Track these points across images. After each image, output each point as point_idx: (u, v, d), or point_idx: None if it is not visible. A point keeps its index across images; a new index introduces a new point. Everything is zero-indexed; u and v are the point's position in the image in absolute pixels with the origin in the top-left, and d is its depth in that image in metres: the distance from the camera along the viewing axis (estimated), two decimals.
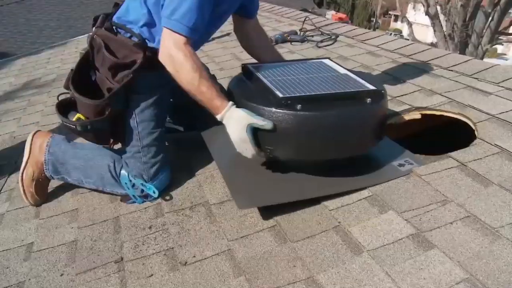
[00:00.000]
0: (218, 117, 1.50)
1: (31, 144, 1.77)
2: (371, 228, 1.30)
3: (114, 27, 1.64)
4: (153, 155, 1.68)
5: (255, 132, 1.42)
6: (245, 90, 1.59)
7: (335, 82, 1.56)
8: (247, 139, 1.42)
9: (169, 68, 1.53)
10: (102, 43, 1.59)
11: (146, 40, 1.62)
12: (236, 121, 1.45)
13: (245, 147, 1.46)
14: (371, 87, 1.51)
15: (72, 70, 1.65)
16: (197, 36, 1.55)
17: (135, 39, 1.60)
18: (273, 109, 1.39)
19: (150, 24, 1.64)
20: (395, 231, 1.27)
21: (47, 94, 3.36)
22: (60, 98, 1.69)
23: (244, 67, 1.73)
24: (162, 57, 1.54)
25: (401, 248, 1.20)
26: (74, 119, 1.60)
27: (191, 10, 1.48)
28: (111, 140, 1.93)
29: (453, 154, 1.57)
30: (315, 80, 1.58)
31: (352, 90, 1.49)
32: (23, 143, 1.79)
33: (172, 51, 1.50)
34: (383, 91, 1.51)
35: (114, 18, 1.69)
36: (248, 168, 1.61)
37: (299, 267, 1.21)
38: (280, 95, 1.41)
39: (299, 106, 1.38)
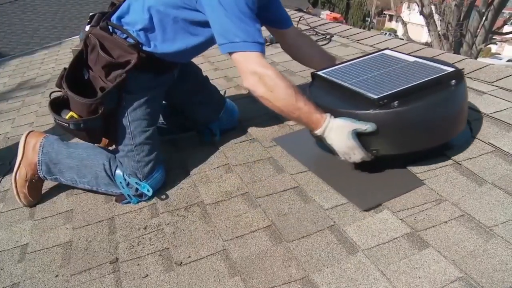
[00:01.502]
0: (319, 131, 1.47)
1: (24, 145, 1.76)
2: (366, 228, 1.30)
3: (110, 27, 1.64)
4: (147, 153, 1.68)
5: (358, 137, 1.43)
6: (331, 98, 1.58)
7: (412, 72, 1.56)
8: (354, 145, 1.42)
9: (260, 91, 1.50)
10: (97, 42, 1.58)
11: (142, 44, 1.62)
12: (339, 131, 1.44)
13: (353, 153, 1.45)
14: (449, 68, 1.52)
15: (65, 68, 1.64)
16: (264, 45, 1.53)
17: (130, 40, 1.60)
18: (372, 111, 1.40)
19: (149, 29, 1.62)
20: (390, 230, 1.27)
21: (41, 94, 3.35)
22: (53, 96, 1.68)
23: (316, 75, 1.72)
24: (250, 83, 1.51)
25: (396, 247, 1.21)
26: (67, 118, 1.59)
27: (247, 24, 1.48)
28: (107, 141, 1.93)
29: (447, 153, 1.58)
30: (391, 74, 1.59)
31: (434, 76, 1.49)
32: (17, 144, 1.79)
33: (258, 71, 1.48)
34: (462, 70, 1.52)
35: (114, 17, 1.69)
36: (341, 171, 1.61)
37: (294, 267, 1.21)
38: (374, 96, 1.41)
39: (396, 103, 1.40)
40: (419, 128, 1.43)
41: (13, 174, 1.73)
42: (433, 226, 1.25)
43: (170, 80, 1.84)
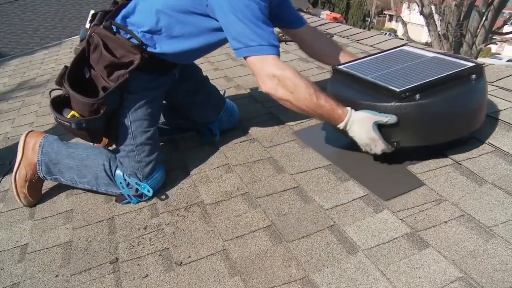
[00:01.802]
0: (341, 125, 1.50)
1: (24, 145, 1.76)
2: (366, 228, 1.30)
3: (113, 27, 1.63)
4: (147, 154, 1.68)
5: (380, 129, 1.45)
6: (353, 91, 1.61)
7: (433, 66, 1.59)
8: (376, 137, 1.45)
9: (280, 93, 1.51)
10: (101, 42, 1.57)
11: (146, 45, 1.62)
12: (361, 123, 1.46)
13: (375, 144, 1.48)
14: (470, 63, 1.54)
15: (66, 66, 1.64)
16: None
17: (134, 40, 1.60)
18: (394, 104, 1.44)
19: (155, 31, 1.62)
20: (390, 230, 1.27)
21: (41, 94, 3.35)
22: (53, 94, 1.67)
23: (337, 69, 1.74)
24: (269, 86, 1.52)
25: (396, 247, 1.21)
26: (68, 117, 1.58)
27: (262, 28, 1.49)
28: (106, 141, 1.92)
29: (447, 152, 1.58)
30: (412, 68, 1.62)
31: (455, 70, 1.51)
32: (17, 144, 1.78)
33: (277, 74, 1.49)
34: (482, 65, 1.54)
35: (118, 17, 1.68)
36: (361, 163, 1.63)
37: (294, 266, 1.21)
38: (397, 89, 1.44)
39: (418, 96, 1.42)
40: (440, 121, 1.46)
41: (13, 174, 1.73)
42: (433, 226, 1.25)
43: (171, 80, 1.84)
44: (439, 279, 1.08)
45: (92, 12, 1.76)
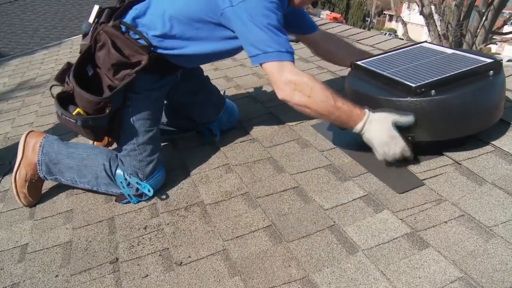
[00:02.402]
0: (360, 124, 1.48)
1: (24, 145, 1.76)
2: (366, 228, 1.30)
3: (122, 26, 1.62)
4: (149, 153, 1.68)
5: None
6: (370, 86, 1.63)
7: (450, 63, 1.60)
8: (396, 135, 1.45)
9: (296, 98, 1.51)
10: (109, 40, 1.57)
11: (156, 47, 1.63)
12: (380, 123, 1.46)
13: (394, 143, 1.46)
14: (488, 59, 1.55)
15: (68, 63, 1.64)
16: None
17: (142, 41, 1.60)
18: (410, 99, 1.45)
19: (169, 36, 1.63)
20: (390, 230, 1.27)
21: (42, 94, 3.35)
22: (56, 90, 1.65)
23: (355, 64, 1.78)
24: (285, 93, 1.51)
25: (396, 247, 1.21)
26: (74, 114, 1.57)
27: (278, 35, 1.51)
28: (107, 141, 1.92)
29: (447, 152, 1.58)
30: (430, 64, 1.63)
31: (472, 66, 1.52)
32: (17, 144, 1.78)
33: (293, 80, 1.49)
34: (501, 61, 1.55)
35: (128, 17, 1.67)
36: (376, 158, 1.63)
37: (294, 266, 1.21)
38: (413, 84, 1.45)
39: (433, 92, 1.44)
40: (456, 117, 1.46)
41: (13, 174, 1.73)
42: (433, 226, 1.25)
43: (174, 81, 1.84)
44: (439, 279, 1.08)
45: (96, 7, 1.74)
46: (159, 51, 1.64)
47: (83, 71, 1.63)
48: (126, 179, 1.66)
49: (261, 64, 1.54)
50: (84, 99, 1.56)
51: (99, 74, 1.62)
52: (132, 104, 1.66)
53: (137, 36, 1.61)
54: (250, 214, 1.48)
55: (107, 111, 1.56)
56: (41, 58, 4.79)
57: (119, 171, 1.68)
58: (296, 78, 1.49)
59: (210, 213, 1.53)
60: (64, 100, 1.60)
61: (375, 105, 1.52)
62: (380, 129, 1.46)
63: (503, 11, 11.64)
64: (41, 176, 1.75)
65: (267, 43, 1.49)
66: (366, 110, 1.49)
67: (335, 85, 2.39)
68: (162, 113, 1.90)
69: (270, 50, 1.49)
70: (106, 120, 1.61)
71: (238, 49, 1.71)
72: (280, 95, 1.54)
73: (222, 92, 2.15)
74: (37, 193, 1.78)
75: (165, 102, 1.98)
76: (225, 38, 1.63)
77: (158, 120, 1.79)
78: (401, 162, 1.53)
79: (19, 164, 1.74)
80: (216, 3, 1.53)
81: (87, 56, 1.63)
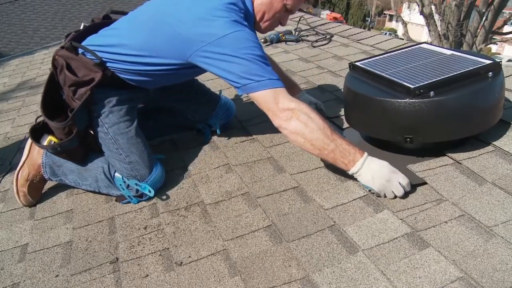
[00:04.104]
0: (361, 160, 1.41)
1: (30, 146, 1.78)
2: (366, 228, 1.30)
3: (78, 48, 1.64)
4: (136, 153, 1.68)
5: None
6: (369, 87, 1.63)
7: (449, 64, 1.60)
8: (396, 170, 1.41)
9: (293, 126, 1.44)
10: (64, 63, 1.59)
11: (107, 61, 1.62)
12: (380, 162, 1.42)
13: (396, 177, 1.39)
14: (487, 60, 1.55)
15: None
16: None
17: (95, 60, 1.60)
18: (408, 100, 1.44)
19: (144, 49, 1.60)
20: (390, 230, 1.27)
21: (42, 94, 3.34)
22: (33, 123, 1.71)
23: (354, 65, 1.77)
24: (282, 119, 1.46)
25: (396, 247, 1.21)
26: (46, 143, 1.65)
27: (267, 65, 1.49)
28: None
29: (447, 152, 1.58)
30: (429, 65, 1.63)
31: (471, 68, 1.52)
32: (17, 144, 1.79)
33: (291, 106, 1.45)
34: (500, 62, 1.55)
35: (93, 36, 1.70)
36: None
37: (294, 266, 1.21)
38: (411, 86, 1.45)
39: (432, 93, 1.43)
40: (454, 118, 1.46)
41: (16, 172, 1.74)
42: (433, 226, 1.25)
43: (143, 93, 1.81)
44: (439, 279, 1.08)
45: (82, 25, 1.80)
46: (112, 64, 1.63)
47: (57, 96, 1.67)
48: (125, 182, 1.66)
49: (251, 93, 1.49)
50: (53, 127, 1.61)
51: (67, 96, 1.64)
52: (98, 114, 1.65)
53: (89, 55, 1.62)
54: (250, 214, 1.48)
55: (74, 132, 1.59)
56: (41, 58, 4.79)
57: (117, 174, 1.69)
58: (293, 105, 1.45)
59: (210, 213, 1.53)
60: (41, 130, 1.67)
61: (373, 107, 1.52)
62: (381, 165, 1.42)
63: (503, 11, 11.65)
64: (46, 177, 1.76)
65: (257, 72, 1.46)
66: (365, 152, 1.44)
67: (335, 85, 2.39)
68: (136, 110, 1.81)
69: (263, 78, 1.46)
70: (76, 142, 1.63)
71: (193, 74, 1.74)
72: (277, 122, 1.49)
73: (218, 93, 2.13)
74: (37, 193, 1.79)
75: (165, 103, 1.98)
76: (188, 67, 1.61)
77: (133, 118, 1.74)
78: (401, 161, 1.53)
79: (23, 163, 1.76)
80: (188, 46, 1.50)
81: (52, 82, 1.66)
